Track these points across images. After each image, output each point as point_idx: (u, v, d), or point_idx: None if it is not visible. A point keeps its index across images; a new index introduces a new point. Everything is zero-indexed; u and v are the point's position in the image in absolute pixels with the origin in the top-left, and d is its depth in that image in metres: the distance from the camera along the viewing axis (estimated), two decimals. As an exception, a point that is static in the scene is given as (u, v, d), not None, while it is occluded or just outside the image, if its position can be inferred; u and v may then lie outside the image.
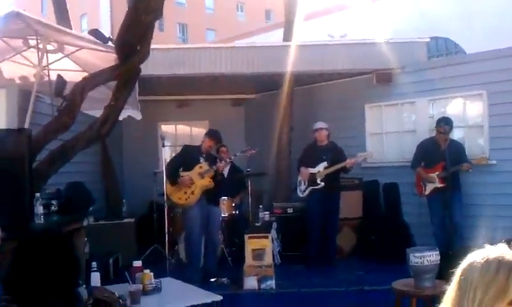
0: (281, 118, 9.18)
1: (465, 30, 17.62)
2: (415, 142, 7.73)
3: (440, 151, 6.97)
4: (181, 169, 6.84)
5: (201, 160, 6.84)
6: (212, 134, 6.99)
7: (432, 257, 4.52)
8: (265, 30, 28.06)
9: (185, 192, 6.72)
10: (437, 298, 2.10)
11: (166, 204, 6.97)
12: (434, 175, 6.99)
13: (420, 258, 4.51)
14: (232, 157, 7.32)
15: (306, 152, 7.63)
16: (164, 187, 6.89)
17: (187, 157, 6.96)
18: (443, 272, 4.14)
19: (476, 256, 1.44)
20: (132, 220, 8.07)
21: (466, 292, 1.40)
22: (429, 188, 7.07)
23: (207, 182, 6.73)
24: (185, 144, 7.93)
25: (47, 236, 2.32)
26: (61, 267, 2.20)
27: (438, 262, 4.54)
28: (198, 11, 41.91)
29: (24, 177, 4.42)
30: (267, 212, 7.91)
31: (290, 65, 8.22)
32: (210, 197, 6.84)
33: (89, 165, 8.61)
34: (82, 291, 3.00)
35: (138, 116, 7.42)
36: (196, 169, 6.75)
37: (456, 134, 7.62)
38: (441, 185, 6.91)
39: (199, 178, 6.71)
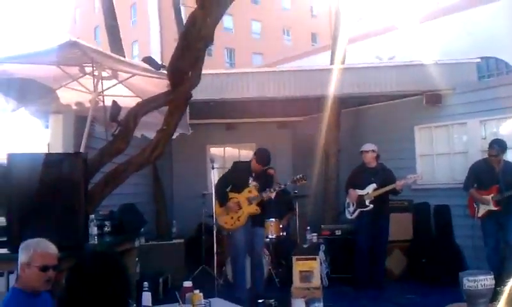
0: (329, 140, 9.17)
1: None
2: (466, 164, 7.57)
3: (494, 173, 6.83)
4: (230, 187, 6.83)
5: (251, 180, 6.79)
6: (259, 158, 6.75)
7: (486, 281, 4.41)
8: (311, 53, 28.13)
9: (232, 217, 6.71)
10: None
11: (215, 226, 7.04)
12: (488, 197, 6.82)
13: (474, 282, 4.40)
14: (282, 186, 6.99)
15: (354, 174, 7.58)
16: (213, 208, 6.94)
17: (236, 176, 6.91)
18: (496, 296, 4.03)
19: None
20: (182, 241, 8.17)
21: None
22: (482, 210, 6.90)
23: (253, 209, 6.69)
24: (235, 161, 7.84)
25: (100, 257, 2.37)
26: (113, 286, 2.24)
27: (493, 287, 4.42)
28: (245, 36, 42.45)
29: (80, 199, 4.54)
30: (315, 234, 7.88)
31: (337, 88, 8.22)
32: (256, 220, 6.80)
33: (140, 187, 8.80)
34: (134, 310, 3.08)
35: (188, 131, 7.45)
36: (245, 193, 6.72)
37: (510, 156, 7.43)
38: (496, 208, 6.76)
39: (247, 204, 6.68)
